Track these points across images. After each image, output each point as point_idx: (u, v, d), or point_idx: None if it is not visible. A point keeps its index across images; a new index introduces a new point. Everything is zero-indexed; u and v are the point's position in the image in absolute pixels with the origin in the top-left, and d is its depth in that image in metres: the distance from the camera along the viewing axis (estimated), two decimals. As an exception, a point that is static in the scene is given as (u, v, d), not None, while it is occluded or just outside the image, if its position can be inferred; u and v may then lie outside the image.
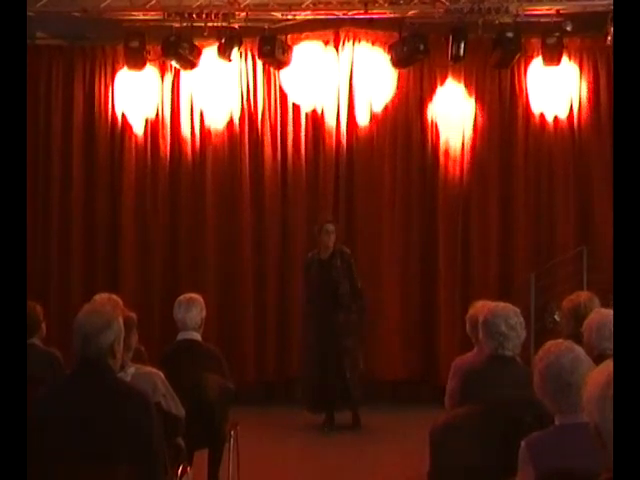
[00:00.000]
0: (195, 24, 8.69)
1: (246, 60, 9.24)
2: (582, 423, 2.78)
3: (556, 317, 7.85)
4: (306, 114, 9.26)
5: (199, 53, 8.86)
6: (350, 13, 8.75)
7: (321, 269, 7.87)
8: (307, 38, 9.24)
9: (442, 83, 9.20)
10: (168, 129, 9.34)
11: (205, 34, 8.75)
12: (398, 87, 9.22)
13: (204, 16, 8.58)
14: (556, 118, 9.19)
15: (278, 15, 8.72)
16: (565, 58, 8.90)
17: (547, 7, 8.52)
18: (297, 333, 9.12)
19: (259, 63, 9.17)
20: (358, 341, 8.00)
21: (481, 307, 4.94)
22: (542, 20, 8.69)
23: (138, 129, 9.35)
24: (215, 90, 9.25)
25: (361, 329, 8.08)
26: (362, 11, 8.64)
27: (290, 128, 9.25)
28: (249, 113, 9.27)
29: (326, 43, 9.26)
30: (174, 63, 8.88)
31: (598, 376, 2.01)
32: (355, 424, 7.99)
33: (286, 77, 9.22)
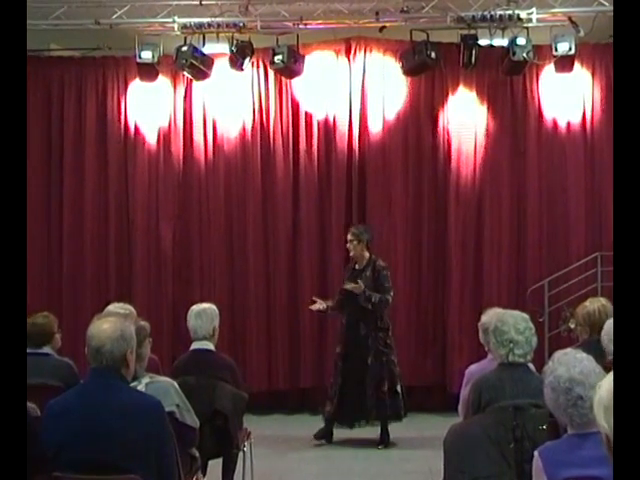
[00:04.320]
0: (207, 34, 8.73)
1: (258, 69, 9.27)
2: (595, 432, 2.77)
3: (570, 324, 7.79)
4: (318, 122, 9.28)
5: (211, 63, 8.91)
6: (361, 22, 8.77)
7: (351, 278, 7.64)
8: (319, 47, 9.27)
9: (454, 91, 9.19)
10: (181, 139, 9.37)
11: (217, 44, 8.79)
12: (410, 95, 9.22)
13: (216, 26, 8.61)
14: (569, 124, 9.17)
15: (290, 25, 8.74)
16: (577, 64, 8.89)
17: (559, 13, 8.51)
18: (308, 342, 9.14)
19: (271, 72, 9.19)
20: (384, 359, 7.61)
21: (492, 315, 4.94)
22: (554, 26, 8.68)
23: (151, 139, 9.39)
24: (227, 100, 9.28)
25: (390, 347, 7.69)
26: (373, 20, 8.66)
27: (302, 137, 9.27)
28: (261, 122, 9.29)
29: (338, 52, 9.29)
30: (186, 73, 8.91)
31: (607, 385, 2.00)
32: (382, 441, 7.69)
33: (298, 86, 9.25)
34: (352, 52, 9.26)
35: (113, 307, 5.40)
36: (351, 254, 7.71)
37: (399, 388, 7.71)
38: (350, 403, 7.59)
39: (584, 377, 3.08)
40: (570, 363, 3.14)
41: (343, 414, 7.66)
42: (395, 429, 7.88)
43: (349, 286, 7.52)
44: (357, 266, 7.71)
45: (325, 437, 7.76)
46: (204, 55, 8.78)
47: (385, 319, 7.72)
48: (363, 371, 7.56)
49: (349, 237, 7.71)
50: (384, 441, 7.71)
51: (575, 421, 3.06)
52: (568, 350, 3.34)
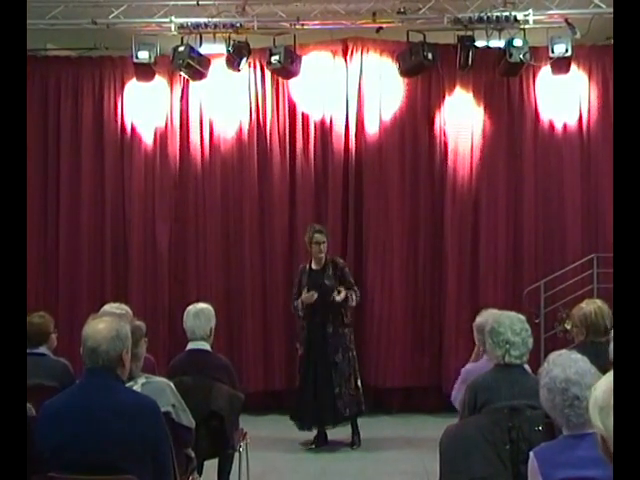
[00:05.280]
0: (204, 35, 8.73)
1: (255, 70, 9.27)
2: (590, 433, 2.78)
3: (566, 325, 7.82)
4: (315, 123, 9.28)
5: (208, 63, 8.90)
6: (358, 23, 8.78)
7: (313, 278, 7.55)
8: (316, 48, 9.27)
9: (450, 92, 9.20)
10: (177, 139, 9.36)
11: (214, 45, 8.79)
12: (406, 96, 9.23)
13: (213, 26, 8.61)
14: (565, 126, 9.18)
15: (287, 25, 8.74)
16: (574, 66, 8.90)
17: (555, 15, 8.52)
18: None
19: (268, 73, 9.19)
20: (350, 355, 7.60)
21: (488, 315, 4.94)
22: (550, 28, 8.69)
23: (147, 139, 9.38)
24: (224, 100, 9.28)
25: (353, 343, 7.68)
26: (370, 21, 8.66)
27: (299, 137, 9.27)
28: (258, 122, 9.29)
29: (335, 53, 9.30)
30: (183, 74, 8.91)
31: (603, 386, 2.00)
32: (353, 442, 7.67)
33: (295, 86, 9.25)
34: (349, 53, 9.27)
35: (109, 307, 5.40)
36: (321, 255, 7.57)
37: (360, 383, 7.67)
38: (320, 404, 7.51)
39: (580, 377, 3.09)
40: (565, 364, 3.15)
41: (312, 415, 7.58)
42: (392, 430, 7.89)
43: (339, 297, 7.43)
44: (314, 266, 7.62)
45: (319, 440, 7.72)
46: (201, 55, 8.77)
47: (349, 315, 7.70)
48: (330, 370, 7.50)
49: (322, 239, 7.55)
50: (356, 442, 7.66)
51: (572, 421, 3.06)
52: (563, 351, 3.36)
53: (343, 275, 7.58)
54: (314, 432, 7.73)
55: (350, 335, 7.65)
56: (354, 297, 7.58)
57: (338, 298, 7.43)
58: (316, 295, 7.39)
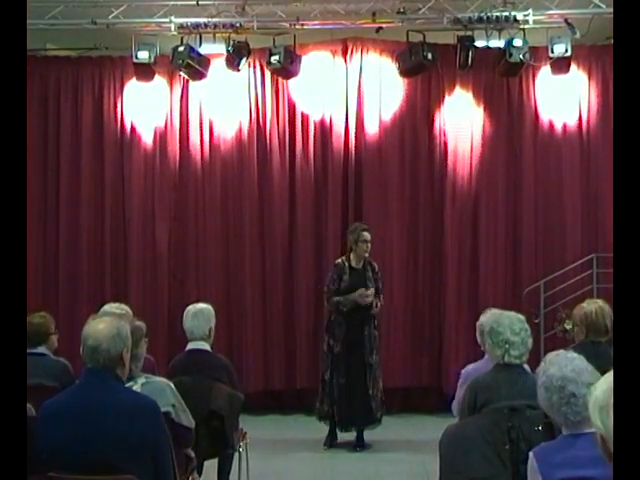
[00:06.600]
0: (204, 35, 8.73)
1: (255, 70, 9.27)
2: (589, 433, 2.78)
3: (566, 325, 7.83)
4: (315, 123, 9.28)
5: (208, 63, 8.91)
6: (358, 23, 8.78)
7: (354, 278, 7.60)
8: (315, 48, 9.27)
9: (450, 92, 9.20)
10: (177, 139, 9.36)
11: (214, 45, 8.79)
12: (406, 96, 9.23)
13: (213, 26, 8.61)
14: (565, 126, 9.18)
15: (286, 25, 8.74)
16: (573, 66, 8.90)
17: (555, 15, 8.52)
18: (304, 342, 9.13)
19: (267, 73, 9.19)
20: (379, 358, 7.75)
21: (490, 315, 4.94)
22: (550, 28, 8.69)
23: (147, 139, 9.38)
24: (224, 100, 9.28)
25: (380, 346, 7.84)
26: (370, 21, 8.67)
27: (299, 137, 9.26)
28: (258, 123, 9.29)
29: (334, 53, 9.30)
30: (183, 74, 8.91)
31: (603, 385, 2.00)
32: (358, 445, 7.67)
33: (295, 86, 9.25)
34: (349, 53, 9.26)
35: (109, 307, 5.40)
36: (367, 254, 7.68)
37: (382, 386, 7.77)
38: (355, 405, 7.56)
39: (576, 375, 3.10)
40: (562, 362, 3.16)
41: (348, 416, 7.61)
42: (392, 430, 7.89)
43: (369, 296, 7.52)
44: (354, 264, 7.68)
45: (333, 441, 7.75)
46: (201, 55, 8.77)
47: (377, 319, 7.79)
48: (365, 371, 7.57)
49: (370, 237, 7.69)
50: (361, 444, 7.67)
51: (569, 419, 3.07)
52: (560, 351, 3.37)
53: (377, 280, 7.69)
54: (319, 433, 7.74)
55: (378, 338, 7.75)
56: (379, 305, 7.68)
57: (369, 294, 7.51)
58: (371, 297, 7.49)
